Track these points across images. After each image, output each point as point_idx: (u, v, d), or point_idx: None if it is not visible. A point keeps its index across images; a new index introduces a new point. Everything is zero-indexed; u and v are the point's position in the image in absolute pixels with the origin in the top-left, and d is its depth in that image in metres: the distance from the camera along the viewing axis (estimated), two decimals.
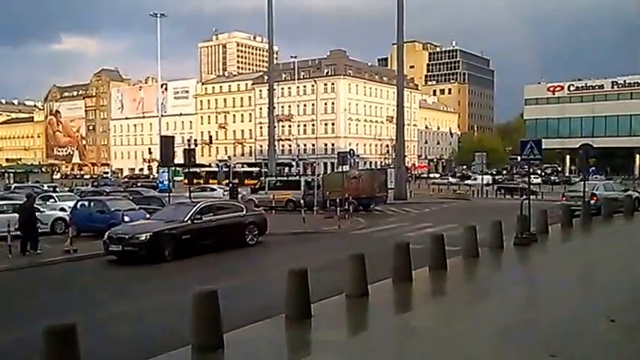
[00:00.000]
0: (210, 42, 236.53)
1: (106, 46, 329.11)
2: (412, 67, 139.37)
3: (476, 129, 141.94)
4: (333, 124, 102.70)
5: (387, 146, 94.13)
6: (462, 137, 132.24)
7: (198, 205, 17.40)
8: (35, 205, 20.04)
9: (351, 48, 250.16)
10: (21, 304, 11.27)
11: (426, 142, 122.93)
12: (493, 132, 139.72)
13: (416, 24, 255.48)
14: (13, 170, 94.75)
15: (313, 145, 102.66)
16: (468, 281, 11.75)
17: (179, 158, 25.28)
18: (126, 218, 20.17)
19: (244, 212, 18.52)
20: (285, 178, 35.90)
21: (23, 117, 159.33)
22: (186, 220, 16.36)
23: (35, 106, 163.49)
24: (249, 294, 11.17)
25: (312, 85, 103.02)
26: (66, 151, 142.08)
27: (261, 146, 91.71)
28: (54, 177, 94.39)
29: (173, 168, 35.85)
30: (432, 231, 17.73)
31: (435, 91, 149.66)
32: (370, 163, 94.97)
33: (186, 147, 28.77)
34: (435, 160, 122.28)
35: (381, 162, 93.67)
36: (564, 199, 24.75)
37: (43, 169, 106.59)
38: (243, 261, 15.86)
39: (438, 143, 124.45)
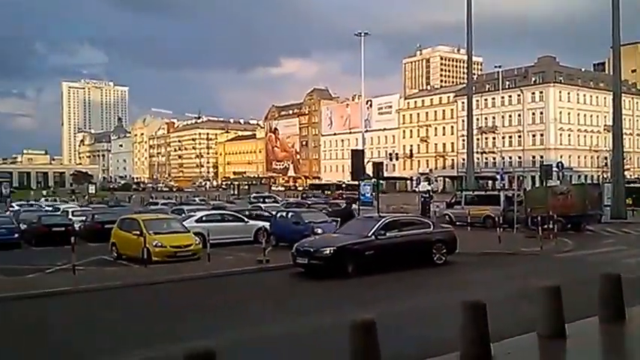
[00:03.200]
0: (414, 57, 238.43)
1: (318, 67, 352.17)
2: (634, 71, 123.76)
3: None
4: (541, 135, 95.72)
5: (605, 158, 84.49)
6: None
7: (383, 220, 16.80)
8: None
9: (561, 54, 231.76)
10: (202, 310, 11.76)
11: None
12: None
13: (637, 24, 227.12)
14: (237, 182, 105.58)
15: (520, 157, 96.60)
16: None
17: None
18: (318, 230, 20.50)
19: (432, 229, 17.50)
20: (484, 193, 33.64)
21: (247, 134, 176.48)
22: (370, 235, 15.87)
23: (257, 124, 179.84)
24: (425, 322, 10.15)
25: (518, 95, 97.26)
26: (282, 165, 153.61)
27: (463, 159, 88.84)
28: (272, 188, 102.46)
29: (375, 181, 35.85)
30: None
31: None
32: (585, 177, 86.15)
33: (377, 161, 28.50)
34: None
35: (598, 176, 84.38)
36: None
37: (263, 181, 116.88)
38: (427, 282, 14.77)
39: None
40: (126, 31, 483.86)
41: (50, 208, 39.50)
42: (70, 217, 30.38)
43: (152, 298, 13.45)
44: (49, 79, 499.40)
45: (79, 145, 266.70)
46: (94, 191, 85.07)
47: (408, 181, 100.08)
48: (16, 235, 24.54)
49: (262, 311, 11.52)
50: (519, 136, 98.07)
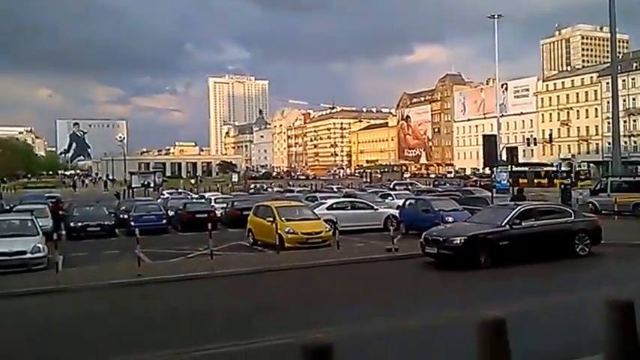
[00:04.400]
0: (553, 38, 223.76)
1: (450, 53, 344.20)
2: None
3: None
4: None
5: None
6: None
7: (518, 208, 15.85)
8: None
9: None
10: (328, 299, 11.86)
11: None
12: None
13: None
14: (370, 170, 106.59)
15: None
16: None
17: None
18: (449, 219, 19.93)
19: (572, 217, 16.18)
20: (632, 179, 30.61)
21: (379, 123, 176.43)
22: (503, 224, 15.02)
23: (389, 112, 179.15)
24: (564, 320, 9.34)
25: None
26: (414, 152, 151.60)
27: (608, 143, 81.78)
28: (404, 175, 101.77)
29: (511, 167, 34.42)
30: None
31: None
32: None
33: (511, 146, 26.93)
34: None
35: None
36: None
37: (395, 169, 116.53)
38: (567, 276, 13.68)
39: None
40: (266, 28, 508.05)
41: (196, 196, 42.08)
42: (213, 204, 32.10)
43: (280, 285, 13.83)
44: (197, 76, 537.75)
45: (225, 137, 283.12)
46: (236, 180, 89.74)
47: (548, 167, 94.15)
48: (164, 221, 26.52)
49: (388, 302, 11.32)
50: None
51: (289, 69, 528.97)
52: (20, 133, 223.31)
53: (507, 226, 14.99)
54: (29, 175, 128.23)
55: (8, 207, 31.24)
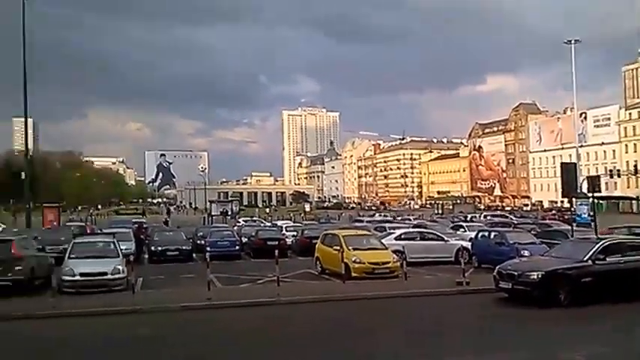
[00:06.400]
0: (635, 64, 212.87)
1: (523, 82, 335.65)
2: None
3: None
4: None
5: None
6: None
7: (602, 242, 14.70)
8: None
9: None
10: (389, 332, 11.36)
11: None
12: None
13: None
14: (441, 202, 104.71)
15: None
16: None
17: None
18: (525, 253, 18.97)
19: None
20: None
21: (450, 153, 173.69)
22: (585, 259, 13.97)
23: (460, 142, 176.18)
24: None
25: None
26: (488, 184, 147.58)
27: None
28: (479, 208, 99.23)
29: (596, 201, 32.75)
30: None
31: None
32: None
33: (592, 175, 25.46)
34: None
35: None
36: None
37: (467, 201, 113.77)
38: None
39: None
40: (337, 60, 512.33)
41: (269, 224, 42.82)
42: (284, 232, 32.50)
43: (342, 315, 13.43)
44: (272, 108, 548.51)
45: (297, 168, 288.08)
46: (309, 209, 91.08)
47: (634, 202, 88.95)
48: (237, 248, 27.26)
49: (455, 339, 10.66)
50: None
51: (360, 100, 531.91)
52: (113, 163, 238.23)
53: (590, 261, 13.93)
54: (121, 202, 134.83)
55: (99, 231, 32.71)
